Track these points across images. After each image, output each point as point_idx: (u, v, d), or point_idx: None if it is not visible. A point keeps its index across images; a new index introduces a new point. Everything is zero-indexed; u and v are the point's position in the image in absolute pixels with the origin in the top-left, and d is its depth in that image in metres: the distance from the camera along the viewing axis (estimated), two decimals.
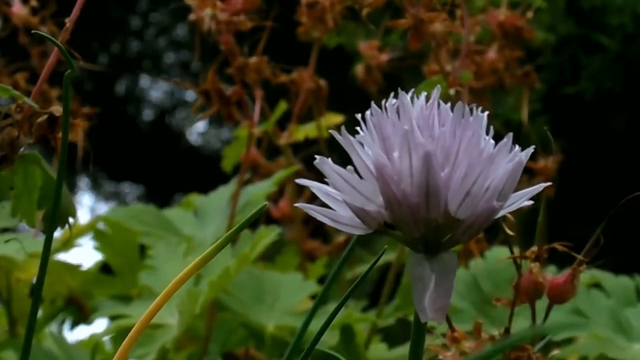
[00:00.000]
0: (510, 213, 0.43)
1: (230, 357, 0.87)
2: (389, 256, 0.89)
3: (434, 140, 0.39)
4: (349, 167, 0.40)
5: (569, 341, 0.79)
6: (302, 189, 1.03)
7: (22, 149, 0.54)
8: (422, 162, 0.38)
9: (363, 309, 0.98)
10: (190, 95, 4.09)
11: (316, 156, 0.40)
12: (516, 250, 0.54)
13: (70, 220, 0.55)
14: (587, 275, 0.83)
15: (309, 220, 1.04)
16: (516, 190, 0.40)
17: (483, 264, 0.81)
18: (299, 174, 0.95)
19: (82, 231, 1.00)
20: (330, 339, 0.79)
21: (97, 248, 0.95)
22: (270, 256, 1.05)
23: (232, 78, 0.83)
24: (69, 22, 0.55)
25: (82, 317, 0.97)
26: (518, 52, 0.94)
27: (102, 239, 0.95)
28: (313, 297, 0.89)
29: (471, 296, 0.79)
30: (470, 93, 0.80)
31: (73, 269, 0.95)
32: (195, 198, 0.99)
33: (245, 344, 0.88)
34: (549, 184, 0.42)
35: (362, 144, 0.40)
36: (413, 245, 0.40)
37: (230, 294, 0.84)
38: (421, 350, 0.41)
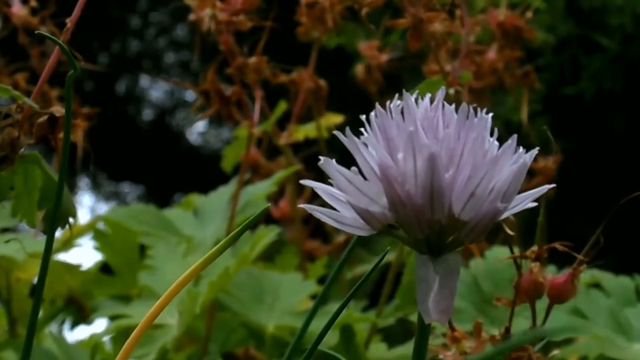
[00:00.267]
0: None
1: (230, 357, 0.87)
2: (389, 256, 0.89)
3: (439, 141, 0.39)
4: (353, 168, 0.40)
5: (569, 341, 0.79)
6: (302, 189, 1.03)
7: (22, 149, 0.54)
8: (427, 164, 0.38)
9: (363, 309, 0.98)
10: (190, 95, 4.09)
11: (320, 157, 0.40)
12: (516, 250, 0.54)
13: (71, 220, 0.55)
14: (587, 275, 0.83)
15: (309, 220, 1.04)
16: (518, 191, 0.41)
17: (483, 264, 0.81)
18: (299, 174, 0.95)
19: (82, 231, 1.00)
20: (330, 339, 0.79)
21: (97, 248, 0.95)
22: (270, 256, 1.05)
23: (231, 78, 0.83)
24: (69, 22, 0.55)
25: (82, 317, 0.97)
26: (518, 52, 0.94)
27: (102, 239, 0.95)
28: (313, 297, 0.89)
29: (471, 296, 0.79)
30: (470, 93, 0.80)
31: (73, 269, 0.95)
32: (195, 198, 0.99)
33: (245, 344, 0.88)
34: (552, 185, 0.42)
35: (366, 145, 0.40)
36: (417, 246, 0.40)
37: (230, 294, 0.84)
38: (425, 351, 0.41)
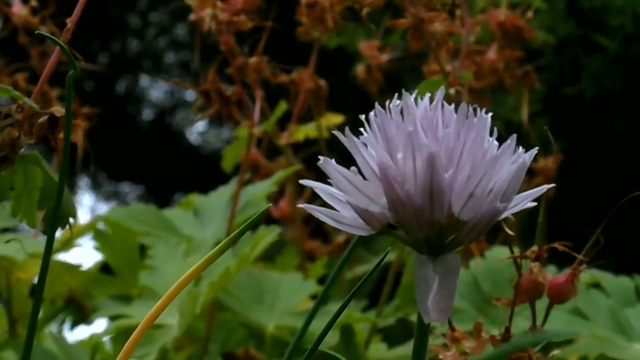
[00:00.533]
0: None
1: (230, 357, 0.87)
2: (389, 256, 0.89)
3: (438, 141, 0.39)
4: (353, 168, 0.40)
5: (569, 341, 0.79)
6: (302, 189, 1.03)
7: (22, 149, 0.54)
8: (426, 164, 0.38)
9: (363, 309, 0.98)
10: (190, 95, 4.09)
11: (320, 157, 0.40)
12: (516, 250, 0.54)
13: (71, 220, 0.55)
14: (587, 275, 0.83)
15: (309, 220, 1.04)
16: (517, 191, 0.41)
17: (483, 264, 0.81)
18: (299, 174, 0.95)
19: (82, 231, 1.00)
20: (330, 339, 0.79)
21: (97, 248, 0.95)
22: (270, 256, 1.05)
23: (232, 78, 0.83)
24: (70, 22, 0.55)
25: (82, 317, 0.97)
26: (518, 52, 0.94)
27: (102, 239, 0.95)
28: (313, 297, 0.89)
29: (471, 296, 0.79)
30: (470, 93, 0.80)
31: (73, 269, 0.95)
32: (195, 198, 0.99)
33: (245, 344, 0.88)
34: (552, 185, 0.42)
35: (365, 145, 0.40)
36: (416, 246, 0.40)
37: (231, 294, 0.84)
38: (425, 351, 0.41)
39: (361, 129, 0.40)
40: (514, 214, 0.44)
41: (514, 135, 0.39)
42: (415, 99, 0.40)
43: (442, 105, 0.40)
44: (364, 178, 0.40)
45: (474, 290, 0.79)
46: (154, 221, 0.93)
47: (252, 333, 0.86)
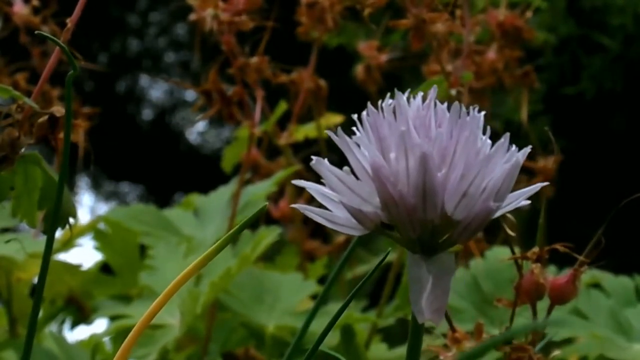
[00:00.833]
0: (510, 213, 0.43)
1: (231, 357, 0.87)
2: (389, 256, 0.89)
3: (431, 141, 0.39)
4: (346, 167, 0.40)
5: (569, 341, 0.79)
6: (302, 189, 1.03)
7: (22, 149, 0.54)
8: (419, 163, 0.38)
9: (363, 309, 0.98)
10: (190, 95, 4.09)
11: (312, 157, 0.40)
12: (517, 251, 0.54)
13: (71, 220, 0.55)
14: (587, 275, 0.83)
15: (309, 220, 1.03)
16: (516, 190, 0.40)
17: (483, 264, 0.81)
18: (299, 174, 0.95)
19: (83, 231, 1.00)
20: (330, 339, 0.79)
21: (97, 248, 0.95)
22: (270, 256, 1.05)
23: (231, 78, 0.83)
24: (70, 22, 0.55)
25: (82, 317, 0.97)
26: (518, 52, 0.94)
27: (102, 239, 0.95)
28: (313, 297, 0.89)
29: (471, 296, 0.79)
30: (471, 93, 0.80)
31: (73, 269, 0.95)
32: (195, 198, 0.99)
33: (246, 344, 0.88)
34: (546, 183, 0.42)
35: (358, 145, 0.40)
36: (410, 246, 0.40)
37: (231, 294, 0.84)
38: (419, 351, 0.41)
39: (354, 129, 0.40)
40: (515, 214, 0.44)
41: (507, 134, 0.39)
42: (408, 99, 0.40)
43: (435, 105, 0.40)
44: (357, 178, 0.40)
45: (474, 290, 0.79)
46: (154, 221, 0.93)
47: (252, 333, 0.86)
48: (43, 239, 0.51)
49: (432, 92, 0.40)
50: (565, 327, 0.73)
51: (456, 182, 0.38)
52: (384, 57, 1.03)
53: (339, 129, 0.39)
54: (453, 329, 0.54)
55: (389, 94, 0.40)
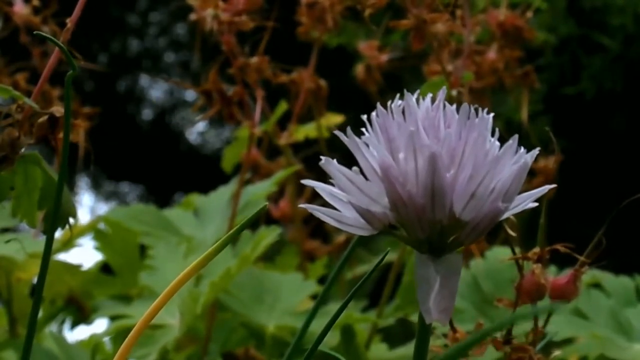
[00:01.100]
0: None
1: (231, 357, 0.87)
2: (390, 256, 0.89)
3: (440, 141, 0.39)
4: (355, 168, 0.40)
5: (569, 341, 0.79)
6: (302, 189, 1.03)
7: (22, 149, 0.54)
8: (428, 164, 0.38)
9: (363, 309, 0.98)
10: (190, 95, 4.10)
11: (321, 157, 0.40)
12: (518, 251, 0.54)
13: (71, 220, 0.55)
14: (588, 275, 0.83)
15: (309, 220, 1.04)
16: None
17: (483, 264, 0.81)
18: (299, 174, 0.95)
19: (83, 231, 1.00)
20: (331, 339, 0.79)
21: (97, 248, 0.95)
22: (270, 256, 1.05)
23: (231, 78, 0.83)
24: (69, 22, 0.55)
25: (82, 317, 0.97)
26: (518, 52, 0.94)
27: (102, 239, 0.95)
28: (313, 297, 0.89)
29: (471, 296, 0.79)
30: (471, 93, 0.80)
31: (73, 269, 0.95)
32: (195, 198, 0.99)
33: (246, 344, 0.88)
34: (553, 185, 0.42)
35: (367, 145, 0.40)
36: (418, 246, 0.40)
37: (231, 294, 0.84)
38: (426, 351, 0.41)
39: (363, 129, 0.40)
40: (515, 214, 0.44)
41: (516, 136, 0.39)
42: (417, 100, 0.40)
43: (444, 106, 0.40)
44: (366, 178, 0.40)
45: (474, 290, 0.79)
46: (154, 221, 0.93)
47: (252, 333, 0.86)
48: (43, 239, 0.51)
49: (441, 94, 0.40)
50: (565, 327, 0.73)
51: (465, 182, 0.38)
52: (384, 57, 1.03)
53: (349, 129, 0.39)
54: (454, 329, 0.54)
55: (397, 95, 0.40)
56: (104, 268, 0.98)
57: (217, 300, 0.83)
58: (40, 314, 0.93)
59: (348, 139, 0.39)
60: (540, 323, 0.54)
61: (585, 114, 2.54)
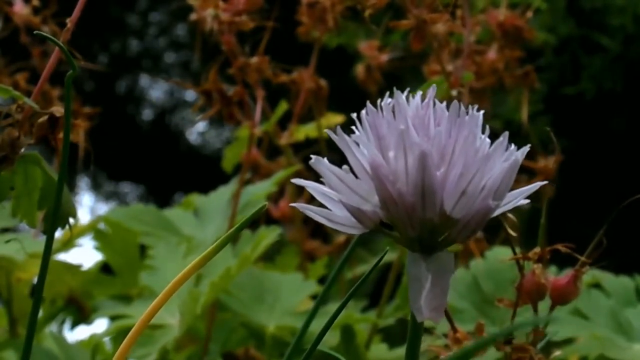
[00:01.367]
0: (511, 213, 0.43)
1: (231, 357, 0.87)
2: (389, 256, 0.89)
3: (430, 139, 0.39)
4: (345, 166, 0.40)
5: (569, 341, 0.79)
6: (302, 189, 1.03)
7: (22, 149, 0.54)
8: (418, 162, 0.38)
9: (363, 309, 0.98)
10: (190, 95, 4.10)
11: (311, 156, 0.40)
12: (518, 251, 0.54)
13: (71, 220, 0.55)
14: (588, 275, 0.83)
15: (309, 220, 1.03)
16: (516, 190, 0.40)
17: (483, 264, 0.81)
18: (299, 174, 0.95)
19: (83, 231, 1.00)
20: (331, 339, 0.79)
21: (97, 248, 0.95)
22: (270, 256, 1.05)
23: (231, 78, 0.83)
24: (69, 22, 0.55)
25: (82, 317, 0.97)
26: (518, 52, 0.94)
27: (102, 239, 0.95)
28: (313, 297, 0.89)
29: (471, 296, 0.79)
30: (471, 93, 0.80)
31: (73, 269, 0.95)
32: (196, 198, 0.99)
33: (246, 344, 0.88)
34: (545, 182, 0.42)
35: (357, 144, 0.39)
36: (409, 244, 0.40)
37: (231, 294, 0.84)
38: (418, 350, 0.41)
39: (353, 128, 0.40)
40: (515, 214, 0.44)
41: (506, 133, 0.39)
42: (407, 98, 0.40)
43: (434, 104, 0.40)
44: (356, 177, 0.40)
45: (474, 290, 0.79)
46: (154, 221, 0.93)
47: (252, 333, 0.86)
48: (43, 239, 0.51)
49: (431, 92, 0.40)
50: (565, 326, 0.73)
51: (455, 180, 0.38)
52: (384, 57, 1.03)
53: (338, 128, 0.39)
54: (454, 329, 0.54)
55: (388, 93, 0.40)
56: (104, 268, 0.98)
57: (217, 300, 0.83)
58: (40, 314, 0.93)
59: (338, 138, 0.39)
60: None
61: (585, 114, 2.54)
